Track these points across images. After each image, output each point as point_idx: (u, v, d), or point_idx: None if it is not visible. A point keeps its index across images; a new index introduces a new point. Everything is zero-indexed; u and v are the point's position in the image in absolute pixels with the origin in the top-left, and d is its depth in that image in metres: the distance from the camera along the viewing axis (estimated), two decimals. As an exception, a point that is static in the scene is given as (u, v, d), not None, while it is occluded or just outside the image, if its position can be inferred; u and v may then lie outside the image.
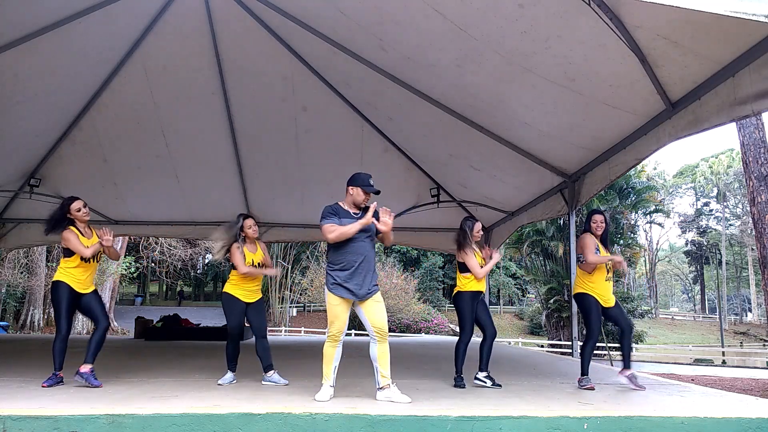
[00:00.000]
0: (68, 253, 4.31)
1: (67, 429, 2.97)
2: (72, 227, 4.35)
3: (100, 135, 8.24)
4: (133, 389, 3.98)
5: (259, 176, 9.36)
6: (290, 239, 12.21)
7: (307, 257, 31.62)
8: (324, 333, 20.94)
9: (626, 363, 4.74)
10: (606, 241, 4.82)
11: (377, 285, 3.95)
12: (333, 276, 3.82)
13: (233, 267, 4.66)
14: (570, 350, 10.41)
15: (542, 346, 22.82)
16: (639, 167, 27.63)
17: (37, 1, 5.31)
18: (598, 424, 3.20)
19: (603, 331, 5.33)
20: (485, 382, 4.49)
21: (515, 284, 40.73)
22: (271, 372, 4.47)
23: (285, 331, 27.39)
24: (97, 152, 8.54)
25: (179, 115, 7.98)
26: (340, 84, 7.34)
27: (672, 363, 21.15)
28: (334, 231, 3.79)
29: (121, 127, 8.16)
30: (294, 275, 31.41)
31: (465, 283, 4.66)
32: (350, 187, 3.96)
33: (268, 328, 4.86)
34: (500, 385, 4.45)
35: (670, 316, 49.47)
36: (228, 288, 4.65)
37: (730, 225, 50.75)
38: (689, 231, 53.98)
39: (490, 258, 4.82)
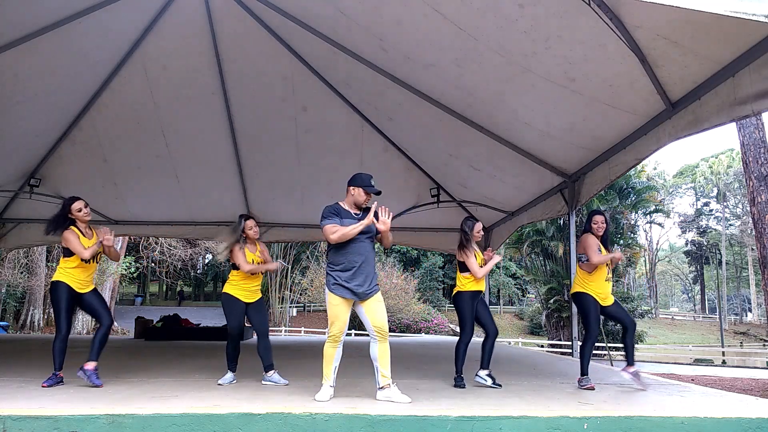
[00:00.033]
0: (68, 253, 4.31)
1: (67, 429, 2.97)
2: (73, 227, 4.35)
3: (100, 135, 8.24)
4: (133, 389, 3.98)
5: (259, 176, 9.37)
6: (290, 239, 12.21)
7: (307, 257, 31.62)
8: (324, 333, 20.89)
9: (630, 360, 4.74)
10: (606, 241, 4.82)
11: (377, 285, 3.95)
12: (334, 276, 3.82)
13: (233, 267, 4.67)
14: (570, 350, 10.42)
15: (542, 346, 22.82)
16: (639, 167, 27.64)
17: (37, 1, 5.31)
18: (598, 424, 3.20)
19: (603, 330, 5.34)
20: (485, 380, 4.49)
21: (515, 284, 40.74)
22: (272, 372, 4.47)
23: (285, 331, 27.39)
24: (97, 152, 8.54)
25: (179, 115, 7.98)
26: (340, 84, 7.35)
27: (672, 363, 21.15)
28: (336, 232, 3.79)
29: (121, 127, 8.16)
30: (294, 275, 31.41)
31: (465, 283, 4.66)
32: (351, 188, 3.96)
33: (268, 328, 4.87)
34: (500, 385, 4.45)
35: (670, 316, 49.48)
36: (228, 288, 4.65)
37: (730, 225, 50.75)
38: (689, 231, 53.99)
39: (491, 259, 4.82)
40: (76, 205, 4.39)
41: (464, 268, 4.66)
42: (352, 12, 5.47)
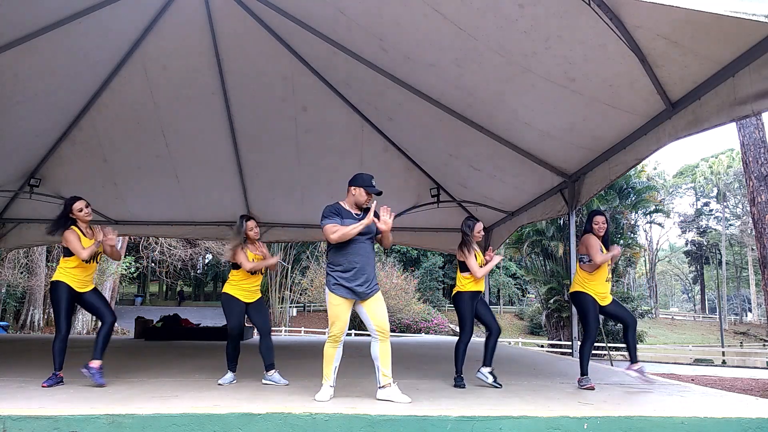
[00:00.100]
0: (68, 252, 4.31)
1: (67, 429, 2.97)
2: (74, 227, 4.36)
3: (100, 135, 8.24)
4: (133, 389, 3.98)
5: (259, 176, 9.37)
6: (290, 239, 12.20)
7: (307, 257, 31.62)
8: (324, 333, 20.89)
9: (633, 357, 4.74)
10: (607, 241, 4.82)
11: (377, 284, 3.95)
12: (334, 276, 3.82)
13: (233, 267, 4.68)
14: (570, 350, 10.42)
15: (542, 346, 22.83)
16: (639, 167, 27.63)
17: (37, 1, 5.31)
18: (598, 424, 3.20)
19: (603, 330, 5.34)
20: (487, 378, 4.49)
21: (515, 284, 40.75)
22: (272, 371, 4.48)
23: (285, 331, 27.40)
24: (97, 152, 8.55)
25: (179, 115, 7.98)
26: (340, 84, 7.35)
27: (672, 363, 21.15)
28: (337, 231, 3.79)
29: (121, 127, 8.16)
30: (294, 275, 31.41)
31: (465, 284, 4.66)
32: (352, 188, 3.95)
33: (271, 327, 4.88)
34: (500, 385, 4.45)
35: (670, 316, 49.48)
36: (227, 288, 4.66)
37: (730, 225, 50.75)
38: (689, 231, 53.99)
39: (491, 259, 4.82)
40: (77, 205, 4.40)
41: (464, 268, 4.66)
42: (352, 12, 5.47)
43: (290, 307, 32.06)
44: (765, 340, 36.42)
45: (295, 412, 3.16)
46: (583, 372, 4.55)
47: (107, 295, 22.63)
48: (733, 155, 45.43)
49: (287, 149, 8.54)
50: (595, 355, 16.42)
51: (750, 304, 50.77)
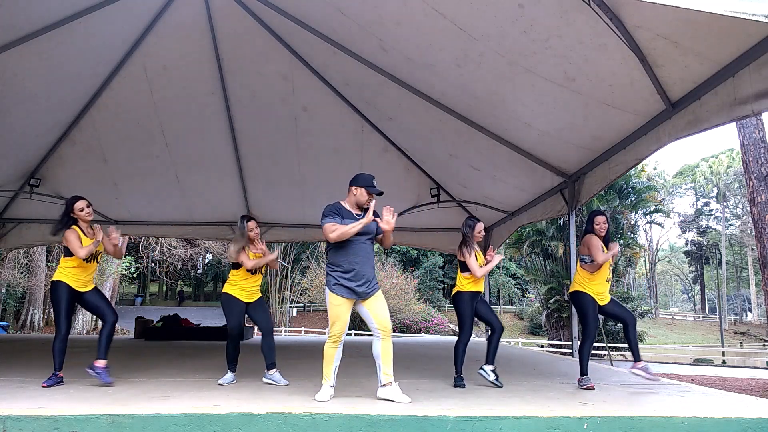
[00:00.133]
0: (68, 252, 4.31)
1: (67, 429, 2.97)
2: (75, 227, 4.36)
3: (100, 135, 8.24)
4: (133, 389, 3.98)
5: (259, 176, 9.37)
6: (290, 239, 12.20)
7: (307, 257, 31.62)
8: (324, 333, 20.86)
9: (636, 356, 4.74)
10: (607, 241, 4.82)
11: (377, 283, 3.95)
12: (335, 276, 3.82)
13: (233, 267, 4.69)
14: (570, 350, 10.41)
15: (542, 346, 22.82)
16: (639, 167, 27.62)
17: (37, 1, 5.31)
18: (598, 424, 3.20)
19: (603, 330, 5.34)
20: (488, 375, 4.49)
21: (515, 284, 40.73)
22: (273, 370, 4.48)
23: (285, 331, 27.39)
24: (97, 152, 8.55)
25: (179, 115, 7.98)
26: (340, 84, 7.35)
27: (672, 363, 21.14)
28: (336, 230, 3.78)
29: (121, 127, 8.16)
30: (294, 275, 31.41)
31: (465, 284, 4.66)
32: (353, 188, 3.94)
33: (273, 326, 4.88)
34: (501, 385, 4.44)
35: (670, 316, 49.48)
36: (227, 288, 4.66)
37: (730, 225, 50.75)
38: (689, 231, 53.99)
39: (492, 259, 4.82)
40: (79, 204, 4.40)
41: (465, 267, 4.66)
42: (352, 12, 5.47)
43: (290, 307, 32.06)
44: (765, 340, 36.43)
45: (295, 412, 3.16)
46: (583, 372, 4.55)
47: (107, 295, 22.64)
48: (733, 155, 45.43)
49: (287, 149, 8.54)
50: (595, 355, 16.41)
51: (750, 304, 50.76)
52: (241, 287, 4.64)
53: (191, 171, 9.14)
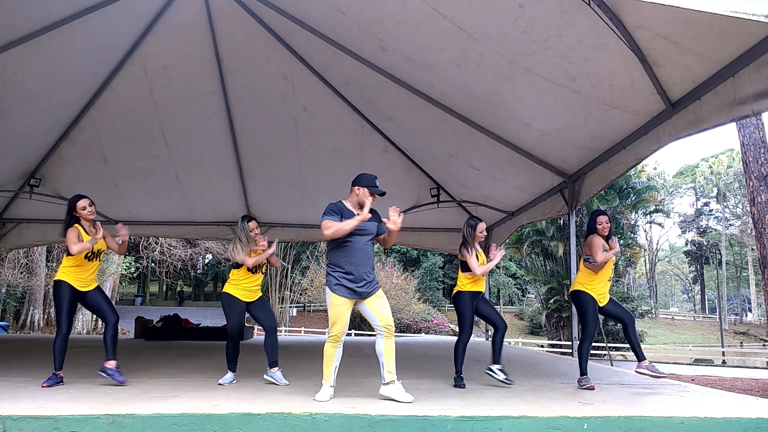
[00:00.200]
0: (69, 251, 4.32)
1: (67, 429, 2.97)
2: (77, 225, 4.37)
3: (100, 135, 8.24)
4: (133, 389, 3.98)
5: (259, 176, 9.37)
6: (290, 239, 12.21)
7: (307, 257, 31.61)
8: (324, 333, 20.84)
9: (639, 355, 4.73)
10: (608, 240, 4.82)
11: (378, 283, 3.95)
12: (335, 276, 3.81)
13: (233, 267, 4.68)
14: (570, 350, 10.42)
15: (542, 346, 22.81)
16: (639, 167, 27.61)
17: (37, 1, 5.31)
18: (598, 424, 3.20)
19: (603, 330, 5.33)
20: (497, 374, 4.49)
21: (515, 284, 40.70)
22: (275, 369, 4.47)
23: (285, 331, 27.39)
24: (97, 152, 8.55)
25: (179, 115, 7.98)
26: (340, 84, 7.35)
27: (672, 363, 21.13)
28: (331, 227, 3.77)
29: (121, 127, 8.16)
30: (294, 275, 31.40)
31: (465, 283, 4.66)
32: (356, 188, 3.94)
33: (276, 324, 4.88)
34: (512, 382, 4.44)
35: (670, 316, 49.47)
36: (228, 288, 4.66)
37: (730, 225, 50.74)
38: (689, 231, 53.98)
39: (495, 256, 4.82)
40: (81, 203, 4.41)
41: (466, 267, 4.66)
42: (352, 12, 5.47)
43: (290, 307, 32.05)
44: (765, 340, 36.42)
45: (295, 412, 3.16)
46: (583, 372, 4.55)
47: (108, 295, 22.63)
48: (733, 155, 45.42)
49: (287, 149, 8.54)
50: (595, 355, 16.41)
51: (750, 304, 50.76)
52: (242, 287, 4.64)
53: (191, 171, 9.14)
